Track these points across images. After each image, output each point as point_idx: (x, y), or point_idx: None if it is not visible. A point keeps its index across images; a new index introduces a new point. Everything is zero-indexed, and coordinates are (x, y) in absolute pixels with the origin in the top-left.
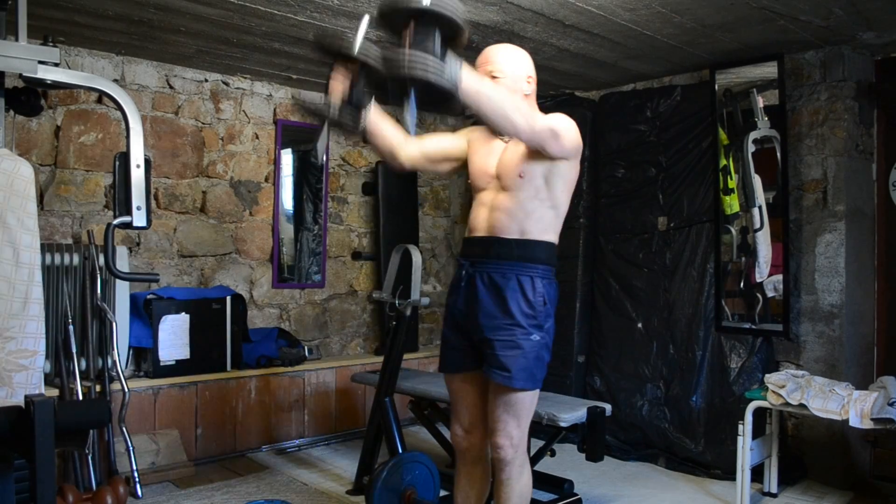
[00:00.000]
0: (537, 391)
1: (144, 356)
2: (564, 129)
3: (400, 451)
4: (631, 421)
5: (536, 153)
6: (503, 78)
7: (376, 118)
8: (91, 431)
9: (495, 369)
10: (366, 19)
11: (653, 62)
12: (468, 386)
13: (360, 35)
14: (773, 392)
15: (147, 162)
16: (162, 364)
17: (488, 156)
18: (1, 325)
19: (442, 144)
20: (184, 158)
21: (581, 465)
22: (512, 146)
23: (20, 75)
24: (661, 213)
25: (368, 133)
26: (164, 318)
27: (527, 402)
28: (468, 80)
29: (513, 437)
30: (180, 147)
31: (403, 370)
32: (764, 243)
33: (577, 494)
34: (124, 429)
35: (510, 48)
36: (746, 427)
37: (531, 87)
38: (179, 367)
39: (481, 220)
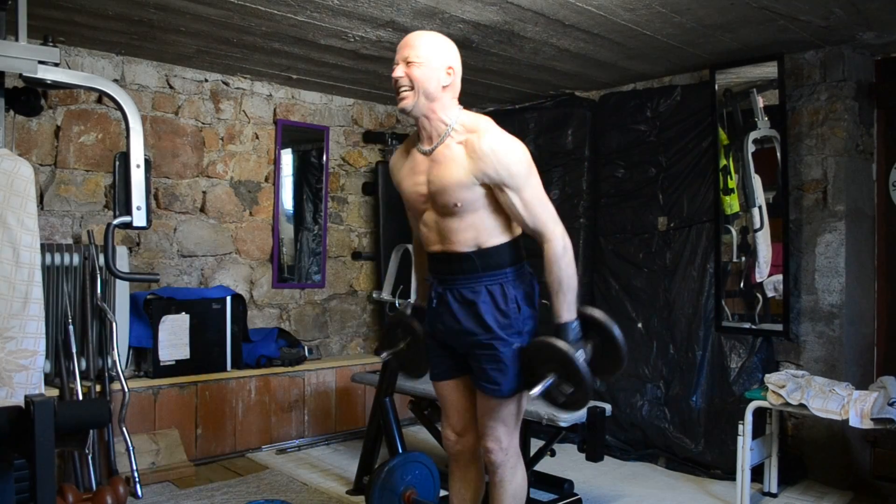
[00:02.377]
0: (525, 392)
1: (144, 356)
2: (557, 223)
3: (400, 451)
4: (631, 421)
5: (467, 186)
6: (419, 64)
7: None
8: (91, 431)
9: (484, 383)
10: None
11: (653, 62)
12: (456, 391)
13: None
14: (773, 392)
15: (147, 162)
16: (162, 364)
17: (414, 174)
18: (1, 325)
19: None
20: (184, 158)
21: (581, 465)
22: (438, 163)
23: (20, 75)
24: (661, 213)
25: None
26: (164, 318)
27: (513, 407)
28: (578, 325)
29: (501, 441)
30: (180, 147)
31: None
32: (764, 243)
33: (577, 494)
34: (124, 429)
35: (433, 36)
36: (746, 427)
37: (451, 79)
38: (179, 367)
39: (433, 240)
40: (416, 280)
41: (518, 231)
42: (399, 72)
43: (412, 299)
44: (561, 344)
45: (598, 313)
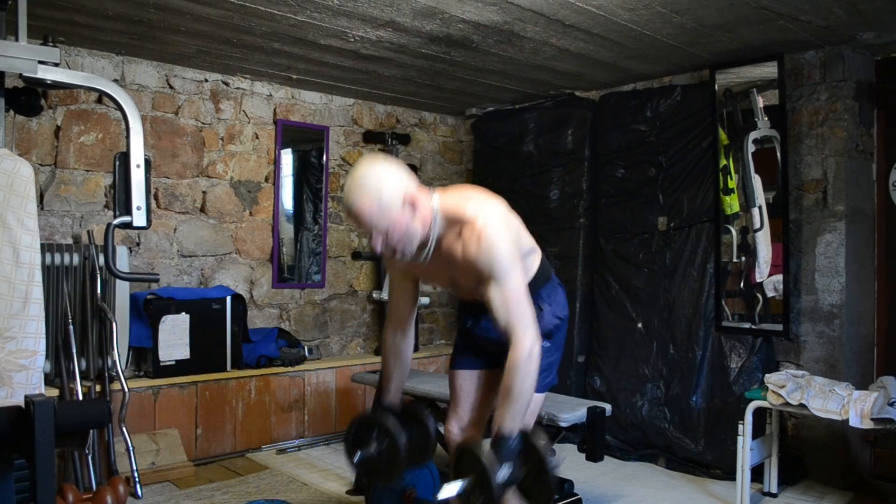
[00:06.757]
0: (543, 395)
1: (144, 356)
2: (529, 327)
3: None
4: (631, 421)
5: (473, 273)
6: (385, 228)
7: (395, 398)
8: (91, 431)
9: None
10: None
11: (653, 62)
12: (473, 384)
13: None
14: (773, 392)
15: (147, 162)
16: (162, 364)
17: (417, 269)
18: (1, 325)
19: (411, 294)
20: (184, 158)
21: (581, 465)
22: (440, 261)
23: (20, 75)
24: (661, 213)
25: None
26: (164, 318)
27: (532, 404)
28: (518, 441)
29: None
30: (180, 147)
31: None
32: (764, 243)
33: (577, 494)
34: (124, 429)
35: (372, 188)
36: (746, 427)
37: (413, 201)
38: (179, 367)
39: (465, 295)
40: (384, 373)
41: (538, 259)
42: (379, 245)
43: None
44: (483, 457)
45: (540, 441)
